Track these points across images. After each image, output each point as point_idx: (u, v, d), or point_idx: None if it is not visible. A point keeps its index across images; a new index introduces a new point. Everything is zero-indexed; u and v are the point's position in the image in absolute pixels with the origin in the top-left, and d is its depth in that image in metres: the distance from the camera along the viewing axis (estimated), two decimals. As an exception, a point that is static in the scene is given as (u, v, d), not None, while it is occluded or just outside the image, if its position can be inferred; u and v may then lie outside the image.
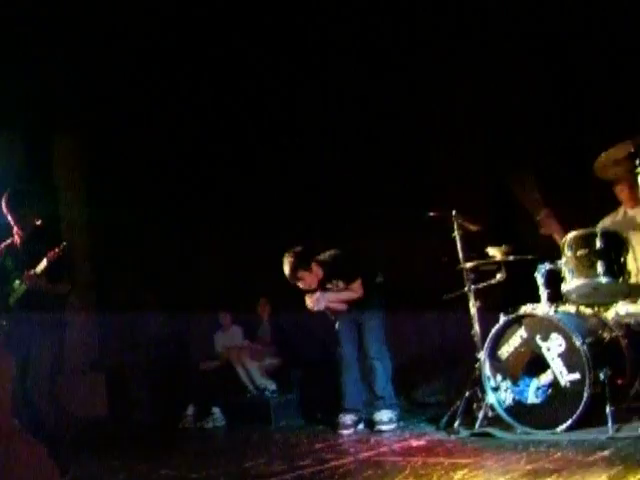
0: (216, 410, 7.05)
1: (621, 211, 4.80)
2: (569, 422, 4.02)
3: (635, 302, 4.45)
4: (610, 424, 3.84)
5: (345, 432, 5.34)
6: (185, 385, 7.61)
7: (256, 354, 7.14)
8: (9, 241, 4.93)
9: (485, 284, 4.95)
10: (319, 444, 4.95)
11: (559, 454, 3.58)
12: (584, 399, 4.00)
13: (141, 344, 8.06)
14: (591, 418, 4.02)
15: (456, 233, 4.98)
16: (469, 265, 4.90)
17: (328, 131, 6.98)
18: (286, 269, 5.51)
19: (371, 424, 5.35)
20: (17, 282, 4.70)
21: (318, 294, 5.55)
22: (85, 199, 8.35)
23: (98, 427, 6.51)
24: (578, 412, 4.00)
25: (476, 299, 4.91)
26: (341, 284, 5.62)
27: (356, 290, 5.55)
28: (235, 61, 7.21)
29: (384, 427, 5.22)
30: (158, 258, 8.07)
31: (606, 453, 3.44)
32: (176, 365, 7.91)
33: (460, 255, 4.95)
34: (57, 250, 4.55)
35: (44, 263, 4.53)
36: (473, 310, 4.90)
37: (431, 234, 5.30)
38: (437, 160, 6.36)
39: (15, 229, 4.83)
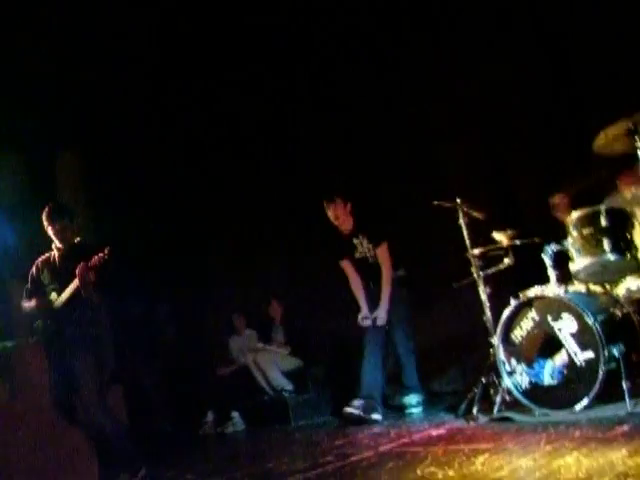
0: (235, 414, 7.10)
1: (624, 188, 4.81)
2: (586, 400, 4.02)
3: (644, 277, 4.46)
4: (627, 399, 3.85)
5: (351, 411, 5.43)
6: (203, 392, 7.66)
7: (271, 356, 7.17)
8: (45, 255, 4.98)
9: (494, 269, 4.96)
10: (339, 440, 4.96)
11: (578, 433, 3.58)
12: (600, 377, 4.00)
13: (157, 354, 8.10)
14: (608, 395, 4.03)
15: (461, 221, 5.01)
16: (477, 252, 4.92)
17: (332, 126, 7.00)
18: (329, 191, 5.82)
19: (401, 408, 5.70)
20: (53, 295, 4.75)
21: (365, 312, 5.75)
22: (89, 214, 8.37)
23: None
24: (595, 390, 4.00)
25: (486, 285, 4.92)
26: (365, 242, 5.82)
27: (383, 260, 5.71)
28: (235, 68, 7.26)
29: (414, 410, 5.62)
30: (167, 267, 8.11)
31: (625, 428, 3.44)
32: (192, 372, 7.95)
33: (467, 242, 4.98)
34: (103, 254, 4.56)
35: (90, 262, 4.52)
36: (483, 296, 4.91)
37: (437, 223, 5.31)
38: (438, 148, 6.36)
39: (55, 242, 4.88)
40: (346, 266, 5.94)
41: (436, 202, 5.05)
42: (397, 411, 5.77)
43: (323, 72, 6.97)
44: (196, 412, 7.45)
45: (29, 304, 4.85)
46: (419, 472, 3.37)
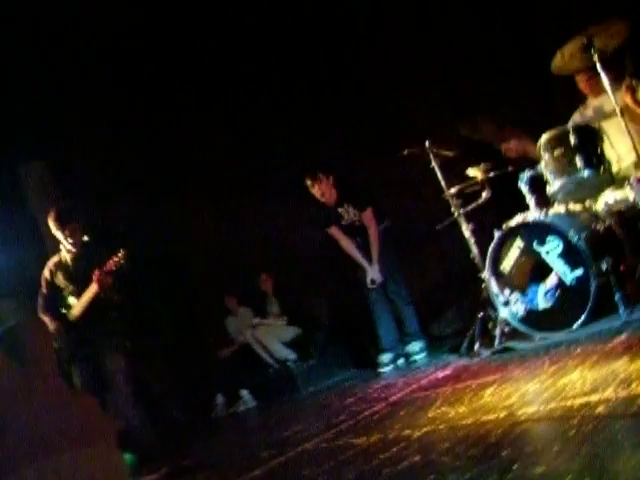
0: (244, 393, 7.13)
1: (587, 103, 4.81)
2: (583, 317, 4.06)
3: (621, 188, 4.49)
4: (621, 309, 3.89)
5: (386, 369, 5.72)
6: (208, 377, 7.67)
7: (269, 329, 7.19)
8: (56, 258, 4.98)
9: (473, 205, 4.98)
10: (350, 399, 4.99)
11: (579, 349, 3.63)
12: (592, 292, 4.03)
13: (157, 347, 8.09)
14: (603, 309, 4.07)
15: (434, 163, 5.00)
16: (453, 191, 4.92)
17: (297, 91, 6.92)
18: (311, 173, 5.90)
19: (406, 357, 5.83)
20: (72, 299, 4.80)
21: (371, 274, 5.86)
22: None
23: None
24: (589, 306, 4.04)
25: (468, 222, 4.94)
26: (351, 210, 5.95)
27: (369, 223, 5.87)
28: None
29: (417, 357, 5.76)
30: (150, 264, 8.04)
31: (623, 337, 3.49)
32: (195, 360, 7.96)
33: (442, 183, 4.98)
34: (117, 257, 4.63)
35: (107, 266, 4.63)
36: (467, 233, 4.93)
37: (410, 170, 5.31)
38: (399, 94, 6.31)
39: (64, 245, 4.88)
40: (334, 232, 6.02)
41: (406, 150, 5.04)
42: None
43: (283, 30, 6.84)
44: (205, 397, 7.48)
45: (47, 320, 4.80)
46: (431, 414, 3.41)
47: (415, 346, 5.82)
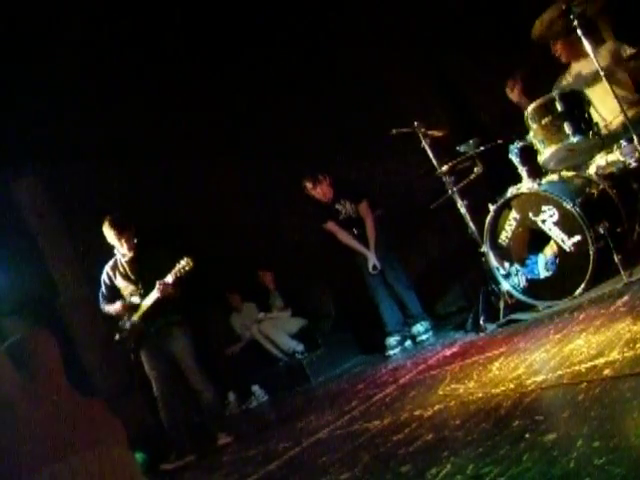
0: (255, 388, 7.14)
1: (569, 70, 4.80)
2: (584, 283, 4.07)
3: (611, 151, 4.49)
4: (622, 272, 3.89)
5: (393, 352, 5.81)
6: (218, 375, 7.67)
7: (275, 322, 7.20)
8: (111, 262, 5.23)
9: (466, 181, 4.97)
10: (360, 385, 5.02)
11: (583, 315, 3.64)
12: (591, 257, 4.04)
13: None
14: (603, 272, 4.07)
15: (424, 143, 4.99)
16: (445, 168, 4.92)
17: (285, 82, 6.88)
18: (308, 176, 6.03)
19: (412, 338, 5.90)
20: (134, 298, 5.06)
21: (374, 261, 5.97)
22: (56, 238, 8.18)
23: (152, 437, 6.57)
24: (590, 271, 4.05)
25: (462, 199, 4.93)
26: (348, 205, 6.10)
27: (366, 214, 6.02)
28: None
29: (424, 336, 5.82)
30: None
31: (626, 298, 3.49)
32: (203, 358, 7.96)
33: (434, 162, 4.97)
34: (183, 265, 4.84)
35: (171, 277, 4.85)
36: (463, 210, 4.92)
37: (401, 150, 5.30)
38: (387, 74, 6.28)
39: (122, 250, 5.09)
40: (331, 226, 6.12)
41: (394, 130, 5.04)
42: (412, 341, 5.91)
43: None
44: (217, 396, 7.48)
45: (112, 307, 5.17)
46: (441, 392, 3.42)
47: (420, 327, 5.88)
